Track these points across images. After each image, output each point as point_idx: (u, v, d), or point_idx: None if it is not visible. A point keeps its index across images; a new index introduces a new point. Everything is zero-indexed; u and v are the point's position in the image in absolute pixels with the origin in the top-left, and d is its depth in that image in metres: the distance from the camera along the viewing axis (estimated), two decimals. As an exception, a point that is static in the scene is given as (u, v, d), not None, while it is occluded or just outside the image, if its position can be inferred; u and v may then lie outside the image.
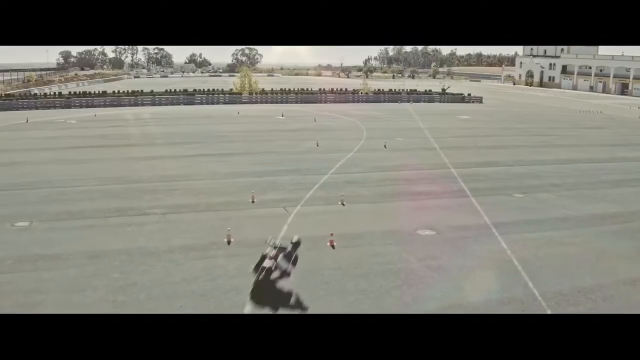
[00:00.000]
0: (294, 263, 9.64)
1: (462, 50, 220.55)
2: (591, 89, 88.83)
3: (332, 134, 34.79)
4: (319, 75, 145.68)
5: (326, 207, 18.32)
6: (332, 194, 19.82)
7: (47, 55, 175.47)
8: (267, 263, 9.42)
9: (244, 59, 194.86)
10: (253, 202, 18.65)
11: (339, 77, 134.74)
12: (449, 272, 12.96)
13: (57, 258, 13.57)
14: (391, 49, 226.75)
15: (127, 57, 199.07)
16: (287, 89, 65.03)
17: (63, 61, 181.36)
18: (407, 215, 17.55)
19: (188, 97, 57.95)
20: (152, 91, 62.95)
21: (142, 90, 63.82)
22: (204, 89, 63.97)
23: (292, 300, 9.74)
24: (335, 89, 68.52)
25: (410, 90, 70.36)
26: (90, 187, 20.86)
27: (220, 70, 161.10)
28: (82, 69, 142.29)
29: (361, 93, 64.15)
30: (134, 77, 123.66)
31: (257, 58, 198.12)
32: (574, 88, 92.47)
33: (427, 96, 64.28)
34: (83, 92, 63.58)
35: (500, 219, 17.18)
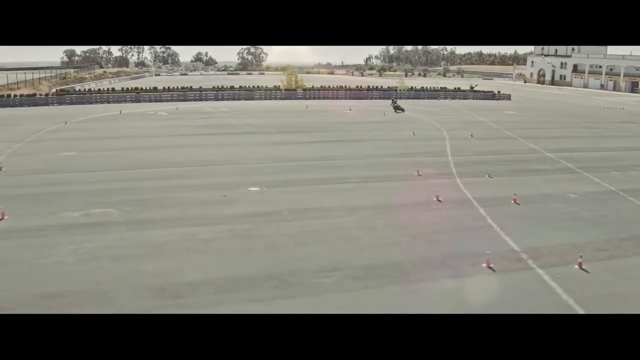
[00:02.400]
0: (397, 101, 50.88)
1: (462, 48, 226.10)
2: (602, 87, 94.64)
3: (413, 125, 39.53)
4: (332, 73, 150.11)
5: (477, 179, 23.20)
6: (472, 170, 24.70)
7: (61, 53, 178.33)
8: (394, 103, 51.08)
9: (249, 57, 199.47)
10: (419, 174, 23.40)
11: (353, 75, 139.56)
12: (612, 218, 17.96)
13: (318, 210, 18.23)
14: (392, 48, 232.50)
15: (132, 55, 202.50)
16: (331, 86, 69.66)
17: (67, 60, 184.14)
18: (544, 184, 22.49)
19: (248, 92, 62.67)
20: (200, 87, 67.52)
21: (191, 87, 68.28)
22: (254, 86, 68.50)
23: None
24: (372, 86, 73.34)
25: (441, 87, 75.52)
26: (268, 164, 25.46)
27: (231, 69, 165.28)
28: (102, 67, 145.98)
29: (400, 90, 69.06)
30: (155, 75, 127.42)
31: (263, 57, 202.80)
32: (585, 86, 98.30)
33: (462, 93, 69.33)
34: (135, 87, 67.76)
35: (617, 187, 22.11)
